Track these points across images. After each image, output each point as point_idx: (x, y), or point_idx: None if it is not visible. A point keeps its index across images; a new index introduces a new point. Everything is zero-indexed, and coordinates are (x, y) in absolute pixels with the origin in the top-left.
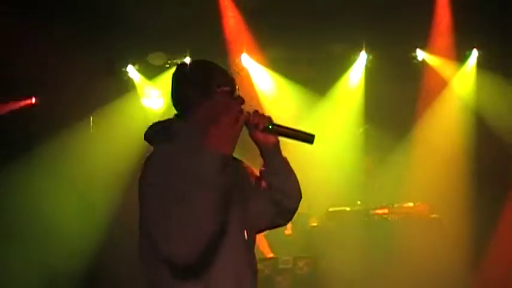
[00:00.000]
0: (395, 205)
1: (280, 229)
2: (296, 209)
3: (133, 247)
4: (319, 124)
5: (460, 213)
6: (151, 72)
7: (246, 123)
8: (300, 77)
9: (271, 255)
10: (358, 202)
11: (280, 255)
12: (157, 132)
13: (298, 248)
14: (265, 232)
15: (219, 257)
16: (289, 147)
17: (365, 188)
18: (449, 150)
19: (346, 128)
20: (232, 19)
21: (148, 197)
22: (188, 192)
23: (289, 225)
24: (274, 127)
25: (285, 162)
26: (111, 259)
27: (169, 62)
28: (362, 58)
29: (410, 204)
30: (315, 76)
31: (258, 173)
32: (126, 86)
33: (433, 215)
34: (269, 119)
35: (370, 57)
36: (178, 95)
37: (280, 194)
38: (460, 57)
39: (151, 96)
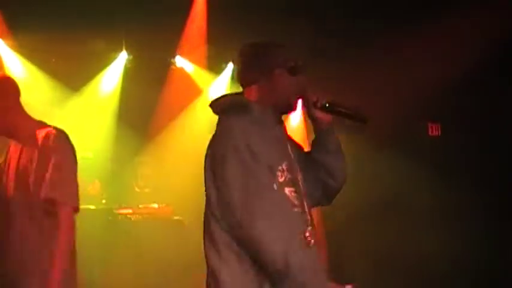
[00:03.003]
0: (140, 206)
1: None
2: (339, 190)
3: None
4: (70, 121)
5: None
6: None
7: (305, 100)
8: (55, 70)
9: None
10: (103, 201)
11: None
12: (233, 104)
13: None
14: None
15: None
16: None
17: (112, 187)
18: (198, 155)
19: (99, 127)
20: None
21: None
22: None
23: None
24: (330, 106)
25: (338, 141)
26: None
27: None
28: (122, 57)
29: (155, 205)
30: (72, 71)
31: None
32: None
33: (175, 217)
34: (326, 96)
35: (131, 57)
36: (242, 74)
37: (327, 174)
38: (217, 69)
39: None
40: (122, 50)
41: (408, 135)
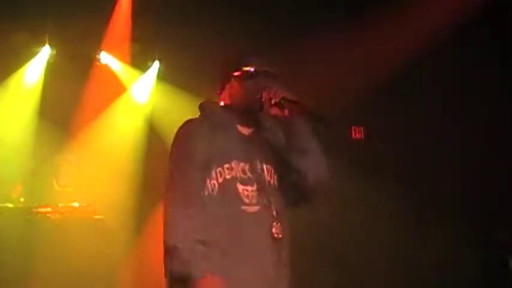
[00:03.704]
0: (60, 204)
1: None
2: (313, 189)
3: None
4: None
5: (124, 215)
6: None
7: (263, 99)
8: None
9: None
10: (22, 199)
11: None
12: (199, 107)
13: None
14: None
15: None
16: None
17: (31, 185)
18: (120, 154)
19: (20, 123)
20: None
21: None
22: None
23: None
24: (285, 103)
25: (305, 139)
26: None
27: None
28: (45, 52)
29: (76, 204)
30: None
31: None
32: None
33: (97, 216)
34: (282, 93)
35: (54, 52)
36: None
37: (295, 173)
38: (143, 67)
39: None
40: (45, 44)
41: (331, 139)
